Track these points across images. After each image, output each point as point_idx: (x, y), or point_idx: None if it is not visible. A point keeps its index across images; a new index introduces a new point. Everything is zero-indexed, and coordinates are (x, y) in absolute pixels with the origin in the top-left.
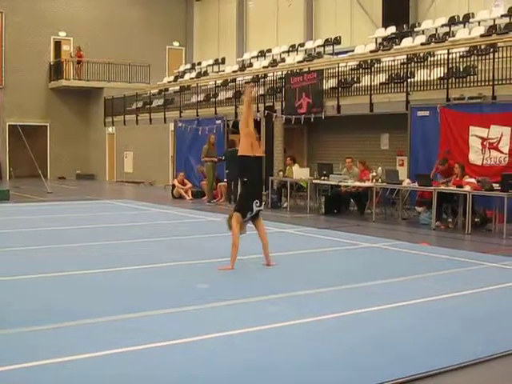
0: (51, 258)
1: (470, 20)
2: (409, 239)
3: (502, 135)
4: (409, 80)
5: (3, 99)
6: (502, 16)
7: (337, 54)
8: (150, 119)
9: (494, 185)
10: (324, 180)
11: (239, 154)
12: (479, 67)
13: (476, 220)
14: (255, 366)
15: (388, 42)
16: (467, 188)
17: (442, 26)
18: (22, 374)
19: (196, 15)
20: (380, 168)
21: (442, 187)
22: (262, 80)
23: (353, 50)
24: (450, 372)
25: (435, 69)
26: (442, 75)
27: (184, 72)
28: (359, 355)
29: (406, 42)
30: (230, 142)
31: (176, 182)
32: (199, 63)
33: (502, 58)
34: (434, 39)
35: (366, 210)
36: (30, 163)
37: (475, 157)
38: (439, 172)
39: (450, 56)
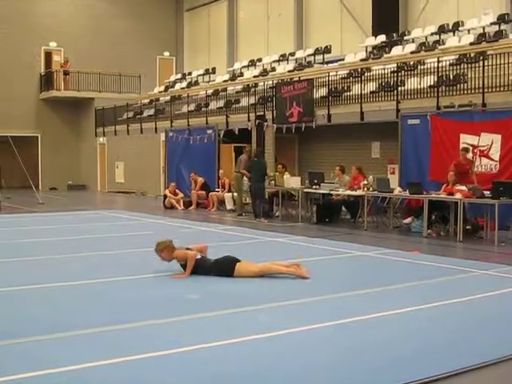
0: (38, 269)
1: (460, 28)
2: (400, 247)
3: (492, 142)
4: (399, 88)
5: None
6: (491, 24)
7: (327, 62)
8: (141, 129)
9: (485, 192)
10: (315, 189)
11: None
12: (469, 75)
13: (467, 228)
14: (245, 374)
15: (378, 51)
16: (458, 196)
17: (432, 34)
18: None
19: (186, 25)
20: (371, 176)
21: (434, 195)
22: (253, 89)
23: (343, 59)
24: (438, 381)
25: (425, 77)
26: (432, 83)
27: (175, 82)
28: (351, 363)
29: (396, 51)
30: (257, 151)
31: (168, 192)
32: (190, 73)
33: (492, 65)
34: (423, 47)
35: (358, 219)
36: (21, 174)
37: None
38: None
39: (440, 64)
